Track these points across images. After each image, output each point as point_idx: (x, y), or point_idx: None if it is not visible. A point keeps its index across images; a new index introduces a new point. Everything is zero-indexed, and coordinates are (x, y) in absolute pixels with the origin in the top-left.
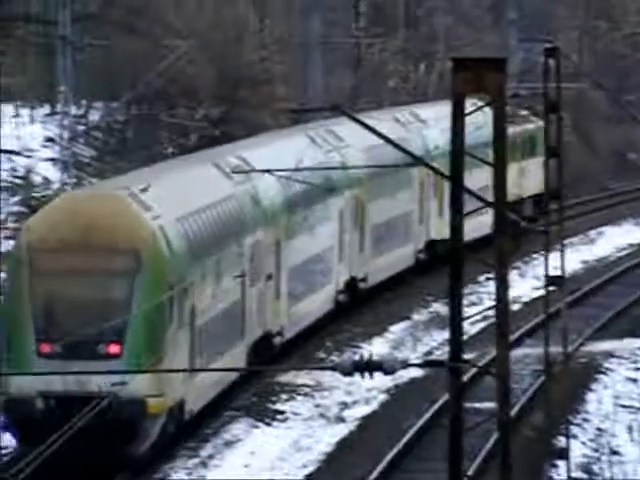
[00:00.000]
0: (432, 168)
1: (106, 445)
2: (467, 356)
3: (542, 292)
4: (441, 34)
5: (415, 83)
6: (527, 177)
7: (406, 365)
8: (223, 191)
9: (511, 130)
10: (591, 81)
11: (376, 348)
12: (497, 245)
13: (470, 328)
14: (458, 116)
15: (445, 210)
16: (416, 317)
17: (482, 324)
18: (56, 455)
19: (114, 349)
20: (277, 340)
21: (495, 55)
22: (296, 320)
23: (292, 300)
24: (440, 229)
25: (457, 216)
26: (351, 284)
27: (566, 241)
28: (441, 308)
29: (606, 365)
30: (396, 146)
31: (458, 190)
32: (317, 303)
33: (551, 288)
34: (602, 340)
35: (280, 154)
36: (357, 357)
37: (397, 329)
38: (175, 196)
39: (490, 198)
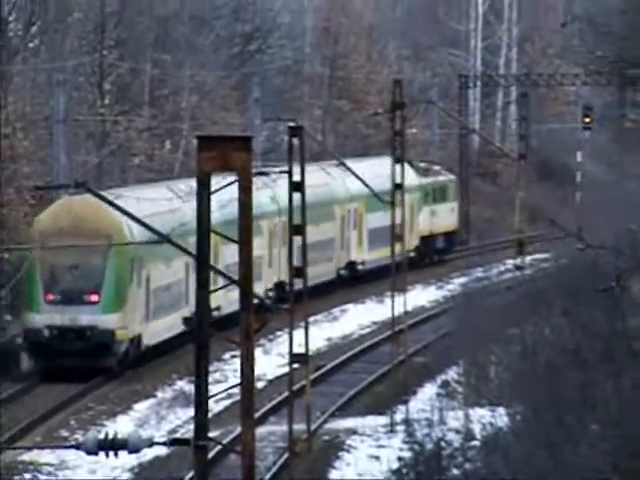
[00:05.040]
0: (180, 247)
1: (88, 359)
2: (212, 434)
3: (286, 369)
4: (186, 112)
5: (161, 161)
6: (438, 217)
7: (151, 443)
8: (173, 205)
9: (425, 180)
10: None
11: (120, 426)
12: (243, 323)
13: (215, 406)
14: (204, 195)
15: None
16: (160, 395)
17: (227, 402)
18: (57, 365)
19: (94, 298)
20: (215, 314)
21: (240, 134)
22: (231, 302)
23: (227, 288)
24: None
25: (203, 293)
26: None
27: (310, 318)
28: (186, 386)
29: (349, 442)
30: (144, 225)
31: (204, 268)
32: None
33: (295, 365)
34: (345, 417)
35: None
36: (101, 435)
37: (141, 407)
38: (138, 203)
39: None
